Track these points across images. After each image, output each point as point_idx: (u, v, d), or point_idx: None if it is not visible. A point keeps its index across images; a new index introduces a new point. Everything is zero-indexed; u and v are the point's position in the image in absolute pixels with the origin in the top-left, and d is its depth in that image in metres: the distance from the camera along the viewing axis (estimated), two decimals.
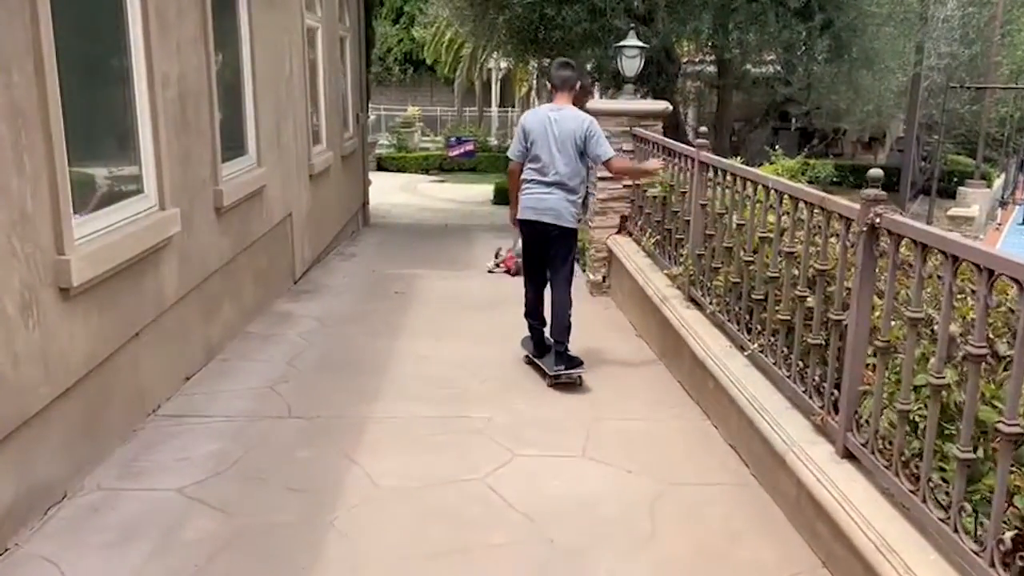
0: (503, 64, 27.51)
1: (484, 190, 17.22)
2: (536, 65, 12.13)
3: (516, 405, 4.68)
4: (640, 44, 7.38)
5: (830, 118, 12.73)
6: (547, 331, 5.21)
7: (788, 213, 3.81)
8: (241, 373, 5.04)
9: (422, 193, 18.06)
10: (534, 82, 23.50)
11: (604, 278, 7.48)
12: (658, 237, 6.20)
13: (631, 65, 7.35)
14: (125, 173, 4.20)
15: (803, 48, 10.72)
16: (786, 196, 3.84)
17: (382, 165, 21.24)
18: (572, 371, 4.99)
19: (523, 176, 5.13)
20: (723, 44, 10.85)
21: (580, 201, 5.12)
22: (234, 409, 4.46)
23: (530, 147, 5.05)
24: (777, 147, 11.68)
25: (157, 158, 4.29)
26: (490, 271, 8.49)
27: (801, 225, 3.66)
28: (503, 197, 15.72)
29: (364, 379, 5.02)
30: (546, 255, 5.14)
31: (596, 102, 7.54)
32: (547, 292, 5.27)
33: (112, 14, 4.01)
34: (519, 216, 5.16)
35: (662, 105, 7.17)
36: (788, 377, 3.72)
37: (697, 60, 13.04)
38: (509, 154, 5.26)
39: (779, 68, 12.04)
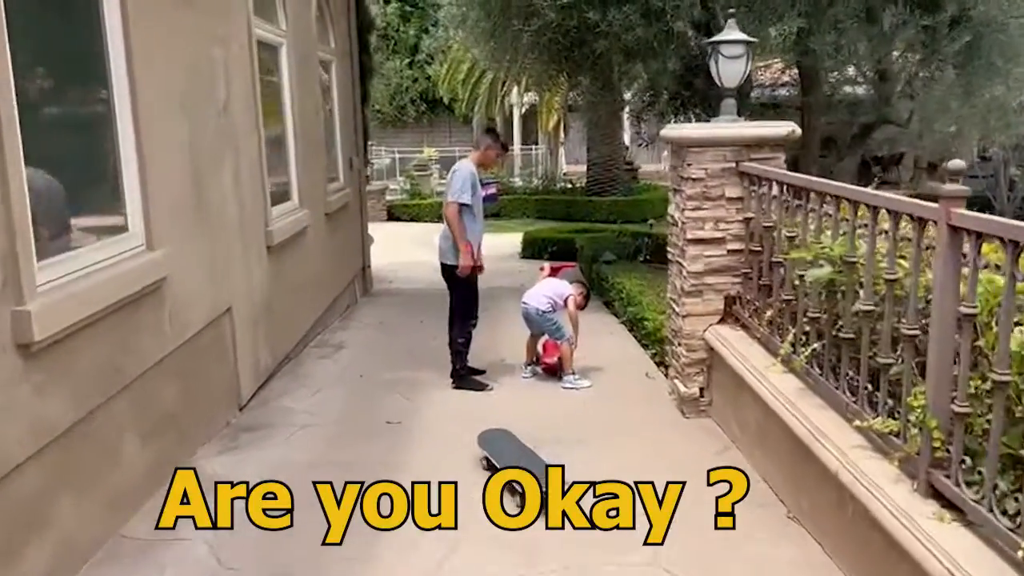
0: (525, 98, 25.30)
1: (510, 241, 14.76)
2: (568, 87, 9.71)
3: None
4: (746, 38, 4.95)
5: (938, 144, 10.16)
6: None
7: None
8: None
9: (435, 247, 15.37)
10: (564, 113, 21.14)
11: (702, 391, 4.96)
12: (820, 348, 3.67)
13: (733, 71, 4.91)
14: None
15: (924, 51, 8.23)
16: None
17: (393, 214, 18.91)
18: None
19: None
20: (817, 49, 8.41)
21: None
22: None
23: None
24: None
25: None
26: (526, 376, 6.06)
27: None
28: (534, 248, 13.26)
29: None
30: None
31: (684, 128, 5.09)
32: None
33: None
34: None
35: (785, 128, 4.66)
36: None
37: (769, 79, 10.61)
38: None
39: (870, 81, 9.57)
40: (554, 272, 6.41)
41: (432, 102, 34.69)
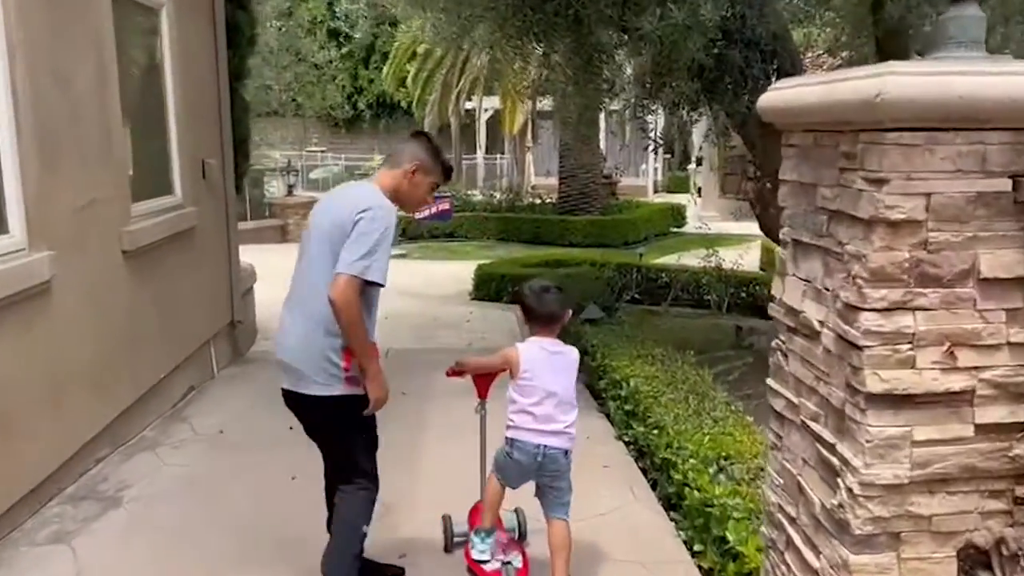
0: (487, 102, 22.22)
1: (460, 271, 11.63)
2: (543, 56, 6.61)
3: None
4: None
5: None
6: None
7: None
8: None
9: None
10: (532, 114, 17.94)
11: None
12: None
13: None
14: None
15: None
16: None
17: None
18: None
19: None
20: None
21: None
22: None
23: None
24: None
25: None
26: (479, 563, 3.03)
27: None
28: (490, 287, 10.15)
29: None
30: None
31: (864, 78, 2.01)
32: None
33: None
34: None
35: None
36: None
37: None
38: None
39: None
40: (543, 328, 2.99)
41: (391, 106, 31.66)
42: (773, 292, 2.17)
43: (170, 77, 5.44)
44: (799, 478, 2.03)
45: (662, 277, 10.36)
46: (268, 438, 4.47)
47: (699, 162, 22.81)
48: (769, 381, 2.21)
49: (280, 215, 15.17)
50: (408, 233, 15.97)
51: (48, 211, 3.73)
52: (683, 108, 6.39)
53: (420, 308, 9.30)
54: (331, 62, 29.14)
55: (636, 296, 10.11)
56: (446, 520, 3.33)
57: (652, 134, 6.88)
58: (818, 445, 1.90)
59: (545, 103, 11.85)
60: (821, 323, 1.87)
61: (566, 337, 3.13)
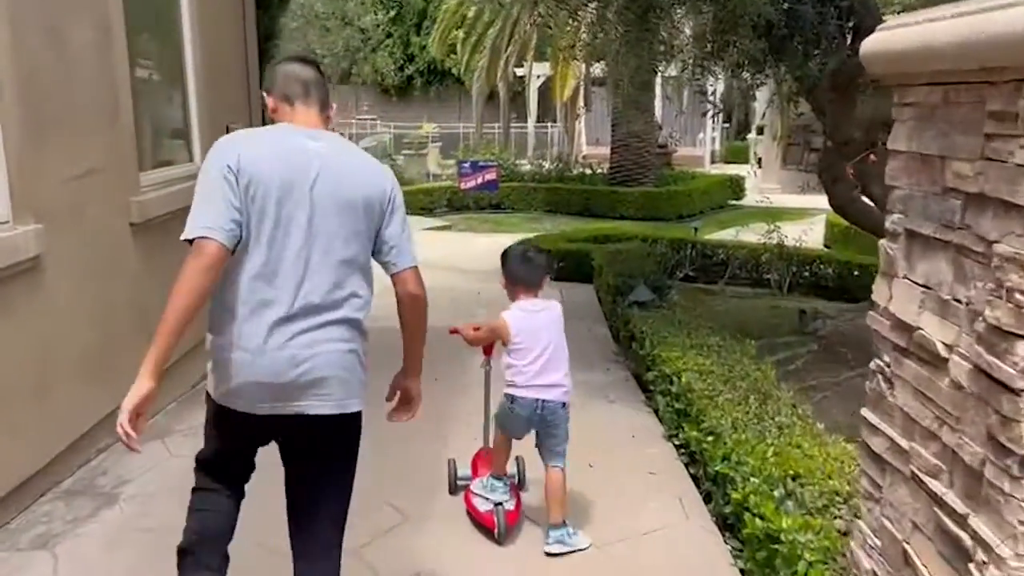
0: (537, 71, 21.52)
1: (506, 245, 11.15)
2: (595, 13, 6.00)
3: None
4: None
5: None
6: None
7: None
8: None
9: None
10: (584, 79, 17.19)
11: None
12: None
13: None
14: None
15: None
16: None
17: None
18: None
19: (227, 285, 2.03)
20: None
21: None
22: None
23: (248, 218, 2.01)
24: None
25: None
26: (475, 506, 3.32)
27: None
28: None
29: None
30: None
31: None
32: None
33: None
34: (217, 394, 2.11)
35: None
36: None
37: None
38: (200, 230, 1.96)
39: None
40: (527, 290, 3.19)
41: (441, 73, 31.12)
42: (875, 297, 1.66)
43: (189, 33, 5.06)
44: (906, 546, 1.53)
45: (718, 254, 9.74)
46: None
47: (760, 131, 21.84)
48: (865, 412, 1.71)
49: None
50: (453, 203, 15.53)
51: (36, 180, 3.37)
52: (747, 70, 5.78)
53: (461, 283, 8.91)
54: (379, 26, 28.69)
55: (690, 274, 9.53)
56: (451, 464, 3.57)
57: (712, 98, 6.26)
58: (938, 510, 1.41)
59: (597, 68, 11.25)
60: (949, 347, 1.36)
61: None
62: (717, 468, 3.21)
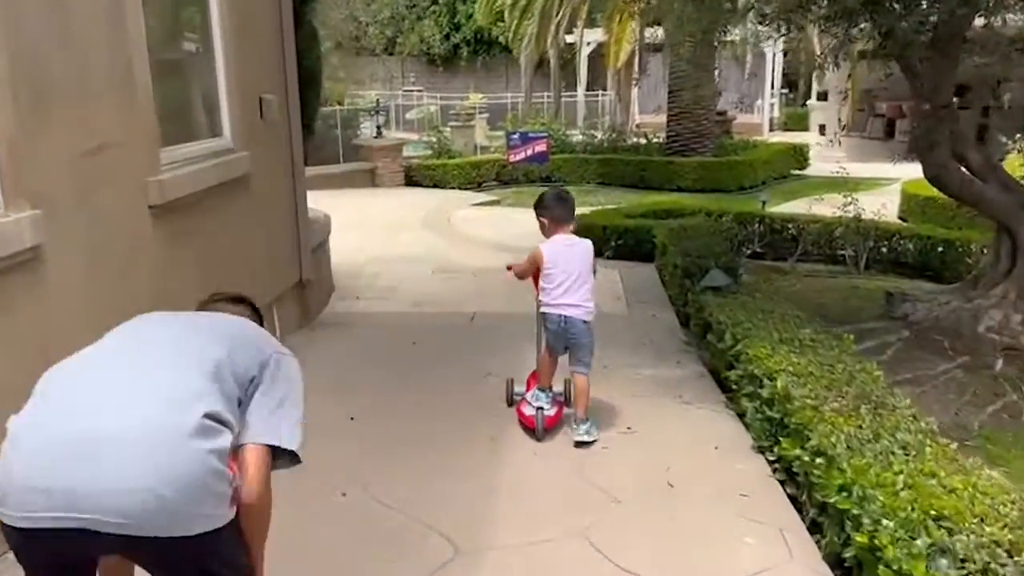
0: (589, 37, 20.69)
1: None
2: None
3: None
4: None
5: None
6: None
7: None
8: None
9: (454, 230, 10.63)
10: (639, 45, 16.32)
11: None
12: None
13: None
14: None
15: None
16: None
17: (412, 178, 14.58)
18: None
19: None
20: None
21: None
22: None
23: None
24: None
25: None
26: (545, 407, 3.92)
27: None
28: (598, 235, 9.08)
29: None
30: None
31: None
32: None
33: None
34: None
35: None
36: None
37: None
38: None
39: None
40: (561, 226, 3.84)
41: (488, 43, 30.39)
42: None
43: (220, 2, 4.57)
44: None
45: (788, 228, 9.06)
46: (329, 428, 3.64)
47: (821, 96, 20.75)
48: None
49: (369, 158, 14.40)
50: (501, 177, 14.98)
51: (33, 159, 2.93)
52: (839, 24, 5.09)
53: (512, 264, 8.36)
54: None
55: (757, 250, 8.87)
56: (509, 383, 4.18)
57: (800, 56, 5.58)
58: None
59: (654, 33, 10.52)
60: None
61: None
62: (834, 500, 2.65)
